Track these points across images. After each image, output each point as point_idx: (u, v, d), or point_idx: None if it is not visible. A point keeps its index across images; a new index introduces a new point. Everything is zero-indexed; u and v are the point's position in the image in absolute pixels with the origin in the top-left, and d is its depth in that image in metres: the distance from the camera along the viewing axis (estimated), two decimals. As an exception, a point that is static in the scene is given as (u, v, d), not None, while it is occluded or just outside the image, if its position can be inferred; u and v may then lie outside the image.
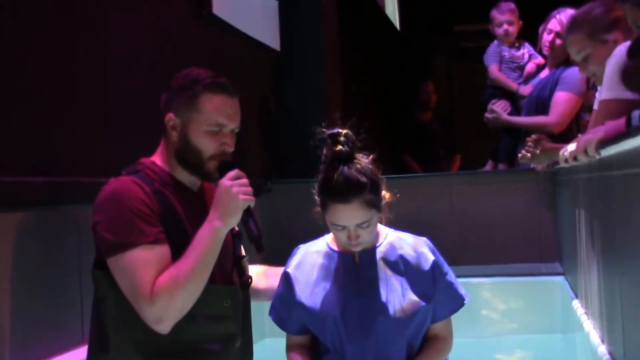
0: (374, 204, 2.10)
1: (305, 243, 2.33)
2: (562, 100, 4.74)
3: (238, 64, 4.57)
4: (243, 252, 2.43)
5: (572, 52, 3.06)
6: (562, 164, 3.07)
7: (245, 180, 2.18)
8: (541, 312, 4.48)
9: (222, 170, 2.21)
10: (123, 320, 2.13)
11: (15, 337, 2.29)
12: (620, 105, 2.58)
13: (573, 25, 3.02)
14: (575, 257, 3.58)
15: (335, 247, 2.25)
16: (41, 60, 2.58)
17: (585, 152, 2.40)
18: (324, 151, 2.14)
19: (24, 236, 2.34)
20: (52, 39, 2.65)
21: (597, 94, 2.99)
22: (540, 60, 5.42)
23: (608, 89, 2.73)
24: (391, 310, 2.14)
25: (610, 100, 2.71)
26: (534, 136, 3.91)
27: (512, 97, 5.37)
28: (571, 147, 2.79)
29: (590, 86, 4.39)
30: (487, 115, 5.29)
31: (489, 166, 5.56)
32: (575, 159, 2.63)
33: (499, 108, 5.23)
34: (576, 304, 3.59)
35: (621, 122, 2.28)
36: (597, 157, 2.37)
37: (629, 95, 2.62)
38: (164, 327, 2.08)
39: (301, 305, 2.20)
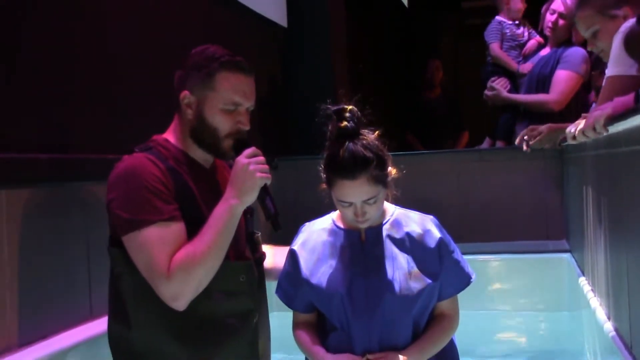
0: (380, 179, 2.10)
1: (311, 221, 2.33)
2: (563, 79, 4.74)
3: (245, 41, 4.56)
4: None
5: (580, 28, 3.03)
6: (570, 141, 3.06)
7: (262, 158, 2.16)
8: (548, 289, 4.48)
9: (238, 148, 2.20)
10: (141, 297, 2.13)
11: (24, 313, 2.30)
12: (627, 82, 2.56)
13: (582, 0, 2.99)
14: (582, 234, 3.58)
15: (341, 225, 2.25)
16: (49, 38, 2.57)
17: (594, 128, 2.40)
18: (329, 127, 2.14)
19: (31, 212, 2.35)
20: (60, 16, 2.64)
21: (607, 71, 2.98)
22: (540, 38, 5.41)
23: (614, 65, 2.71)
24: (397, 287, 2.14)
25: (616, 77, 2.70)
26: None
27: (511, 74, 5.36)
28: (579, 123, 2.79)
29: (594, 65, 4.39)
30: (487, 92, 5.29)
31: (486, 144, 5.57)
32: (583, 135, 2.62)
33: (499, 85, 5.23)
34: (583, 281, 3.59)
35: (629, 98, 2.27)
36: (605, 133, 2.36)
37: (634, 71, 2.60)
38: (180, 304, 2.08)
39: (307, 282, 2.20)
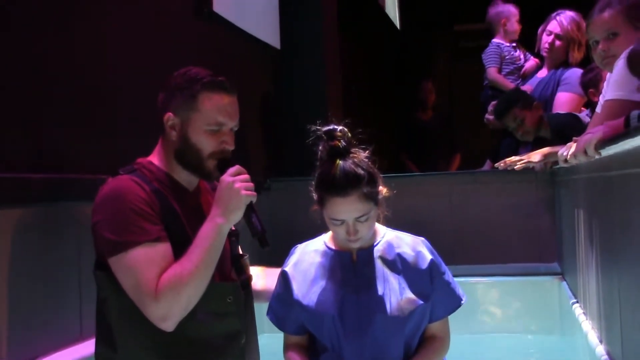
0: (372, 196, 2.11)
1: (303, 242, 2.33)
2: (564, 101, 4.74)
3: (238, 62, 4.57)
4: (240, 251, 2.43)
5: (596, 30, 2.93)
6: (562, 164, 3.06)
7: (246, 176, 2.16)
8: (539, 312, 4.47)
9: (222, 167, 2.20)
10: (127, 320, 2.12)
11: (14, 334, 2.28)
12: (626, 106, 2.56)
13: (608, 2, 2.93)
14: (574, 257, 3.58)
15: (332, 246, 2.25)
16: (41, 58, 2.58)
17: (585, 152, 2.40)
18: (320, 148, 2.15)
19: (23, 233, 2.34)
20: (52, 36, 2.65)
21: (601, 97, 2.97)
22: (536, 60, 5.42)
23: (615, 89, 2.71)
24: (389, 308, 2.14)
25: (615, 101, 2.69)
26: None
27: (497, 101, 5.34)
28: (571, 147, 2.79)
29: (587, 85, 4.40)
30: (488, 116, 5.29)
31: (487, 166, 5.55)
32: (575, 158, 2.63)
33: None
34: (574, 304, 3.59)
35: (620, 122, 2.28)
36: (597, 157, 2.37)
37: (636, 97, 2.61)
38: (169, 325, 2.07)
39: (299, 304, 2.20)
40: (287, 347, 2.28)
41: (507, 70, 5.48)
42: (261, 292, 2.44)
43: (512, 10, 5.55)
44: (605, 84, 2.89)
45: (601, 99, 2.96)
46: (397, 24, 9.46)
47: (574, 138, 2.89)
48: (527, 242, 4.68)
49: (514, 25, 5.53)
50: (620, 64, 2.69)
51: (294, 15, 5.36)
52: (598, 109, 3.02)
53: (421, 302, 2.16)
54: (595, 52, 2.99)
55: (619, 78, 2.70)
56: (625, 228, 2.17)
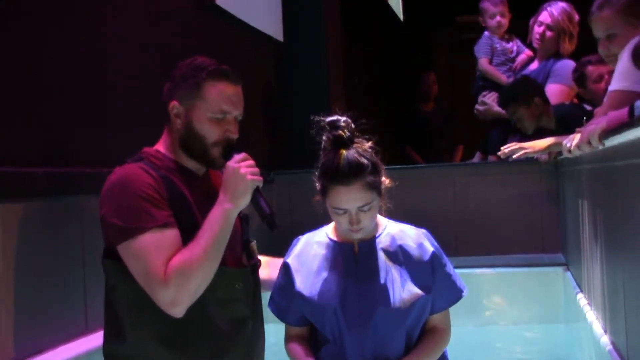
0: (375, 186, 2.11)
1: (305, 234, 2.34)
2: (554, 92, 4.74)
3: (241, 55, 4.57)
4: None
5: (597, 29, 2.95)
6: (566, 155, 3.06)
7: (251, 162, 2.17)
8: (544, 303, 4.48)
9: (228, 154, 2.21)
10: (137, 308, 2.13)
11: (19, 327, 2.29)
12: (631, 97, 2.56)
13: (606, 1, 2.93)
14: (578, 248, 3.58)
15: (335, 238, 2.26)
16: (43, 52, 2.58)
17: (589, 142, 2.40)
18: (324, 138, 2.16)
19: (27, 226, 2.34)
20: (54, 30, 2.65)
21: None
22: (529, 52, 5.41)
23: (620, 80, 2.71)
24: (390, 300, 2.14)
25: (620, 91, 2.69)
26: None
27: (501, 89, 5.35)
28: (574, 137, 2.79)
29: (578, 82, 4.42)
30: (478, 107, 5.29)
31: (477, 158, 5.56)
32: (578, 149, 2.63)
33: (490, 100, 5.22)
34: (579, 295, 3.59)
35: (623, 112, 2.28)
36: (601, 147, 2.37)
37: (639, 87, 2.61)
38: (179, 310, 2.07)
39: (300, 295, 2.21)
40: (288, 339, 2.28)
41: (498, 61, 5.47)
42: (264, 280, 2.45)
43: (488, 7, 5.51)
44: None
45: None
46: (400, 15, 9.43)
47: (577, 129, 2.89)
48: (531, 233, 4.69)
49: (487, 22, 5.50)
50: (624, 55, 2.69)
51: (297, 8, 5.35)
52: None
53: (423, 294, 2.17)
54: (599, 48, 3.00)
55: (623, 69, 2.70)
56: (629, 218, 2.17)
